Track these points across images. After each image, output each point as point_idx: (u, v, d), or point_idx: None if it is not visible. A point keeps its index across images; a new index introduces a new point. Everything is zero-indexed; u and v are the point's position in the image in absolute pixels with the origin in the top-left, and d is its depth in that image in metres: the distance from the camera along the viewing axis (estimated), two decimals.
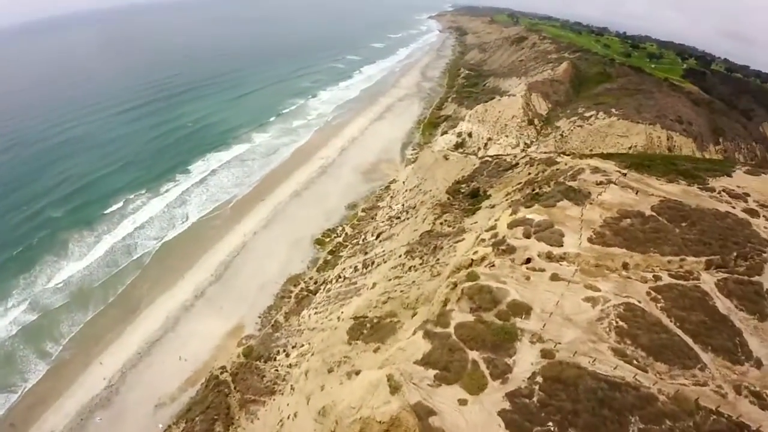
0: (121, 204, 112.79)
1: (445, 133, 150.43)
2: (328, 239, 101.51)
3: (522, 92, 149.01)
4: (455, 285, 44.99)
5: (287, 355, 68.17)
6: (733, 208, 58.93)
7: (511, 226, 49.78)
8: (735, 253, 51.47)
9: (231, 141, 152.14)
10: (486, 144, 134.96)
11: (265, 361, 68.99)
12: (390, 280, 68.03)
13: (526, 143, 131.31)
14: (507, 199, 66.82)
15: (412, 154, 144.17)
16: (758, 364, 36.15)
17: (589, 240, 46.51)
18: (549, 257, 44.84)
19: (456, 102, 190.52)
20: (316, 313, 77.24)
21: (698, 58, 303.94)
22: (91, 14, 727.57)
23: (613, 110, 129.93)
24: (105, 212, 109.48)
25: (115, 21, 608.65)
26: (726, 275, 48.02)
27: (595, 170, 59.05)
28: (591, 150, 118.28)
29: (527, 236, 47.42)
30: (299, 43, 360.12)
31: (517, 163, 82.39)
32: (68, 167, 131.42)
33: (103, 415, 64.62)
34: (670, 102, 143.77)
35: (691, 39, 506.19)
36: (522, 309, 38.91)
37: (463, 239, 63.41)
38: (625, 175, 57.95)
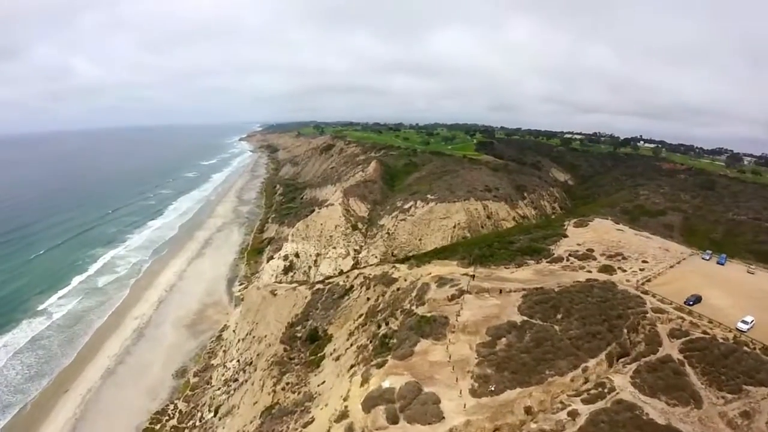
0: None
1: (271, 258, 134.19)
2: (158, 426, 76.19)
3: (339, 200, 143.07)
4: None
5: None
6: (590, 272, 52.54)
7: (368, 405, 33.65)
8: (625, 330, 43.30)
9: (21, 318, 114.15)
10: (316, 260, 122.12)
11: None
12: None
13: (355, 249, 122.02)
14: (351, 343, 51.58)
15: (239, 291, 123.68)
16: None
17: (473, 393, 32.65)
18: None
19: (277, 222, 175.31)
20: None
21: (482, 131, 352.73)
22: None
23: (429, 196, 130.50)
24: None
25: None
26: (634, 364, 38.65)
27: (441, 281, 47.54)
28: (420, 240, 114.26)
29: (393, 420, 31.60)
30: (104, 182, 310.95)
31: (352, 286, 69.03)
32: None
33: None
34: (474, 175, 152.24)
35: (471, 117, 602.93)
36: None
37: (313, 419, 45.58)
38: (474, 277, 47.61)
